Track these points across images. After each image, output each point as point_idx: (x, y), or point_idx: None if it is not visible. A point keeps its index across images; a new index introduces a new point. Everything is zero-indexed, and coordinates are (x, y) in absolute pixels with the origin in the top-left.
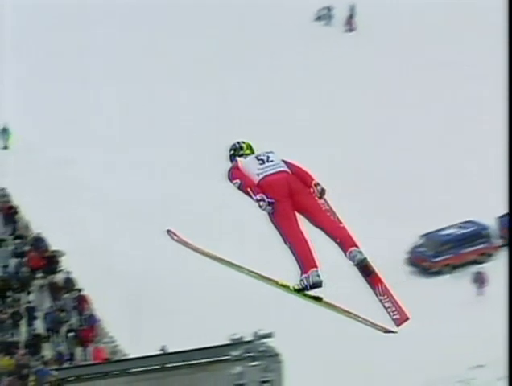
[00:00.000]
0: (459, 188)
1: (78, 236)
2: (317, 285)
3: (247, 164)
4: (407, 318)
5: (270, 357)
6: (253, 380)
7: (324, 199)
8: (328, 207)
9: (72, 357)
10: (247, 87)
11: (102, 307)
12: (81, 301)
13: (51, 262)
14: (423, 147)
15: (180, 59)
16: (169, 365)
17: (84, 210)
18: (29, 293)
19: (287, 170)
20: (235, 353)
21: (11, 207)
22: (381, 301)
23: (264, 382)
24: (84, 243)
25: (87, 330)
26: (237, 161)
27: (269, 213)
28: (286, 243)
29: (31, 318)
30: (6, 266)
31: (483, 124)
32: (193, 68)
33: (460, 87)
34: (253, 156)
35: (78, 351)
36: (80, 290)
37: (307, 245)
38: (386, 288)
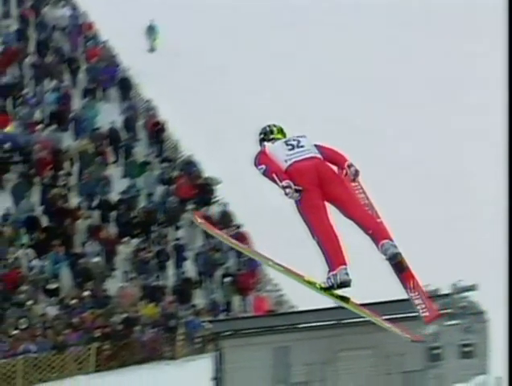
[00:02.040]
0: None
1: (235, 163)
2: (345, 284)
3: (275, 149)
4: (438, 316)
5: (473, 315)
6: (451, 343)
7: (359, 187)
8: (362, 195)
9: (228, 307)
10: None
11: (262, 247)
12: (240, 240)
13: (203, 191)
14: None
15: None
16: (346, 321)
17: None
18: (177, 228)
19: (319, 156)
20: None
21: (157, 124)
22: (411, 297)
23: (465, 345)
24: (240, 171)
25: (246, 275)
26: (264, 146)
27: (296, 202)
28: (313, 236)
29: (180, 259)
30: (150, 195)
31: None
32: None
33: None
34: (282, 141)
35: (236, 300)
36: (238, 226)
37: (337, 240)
38: (417, 284)
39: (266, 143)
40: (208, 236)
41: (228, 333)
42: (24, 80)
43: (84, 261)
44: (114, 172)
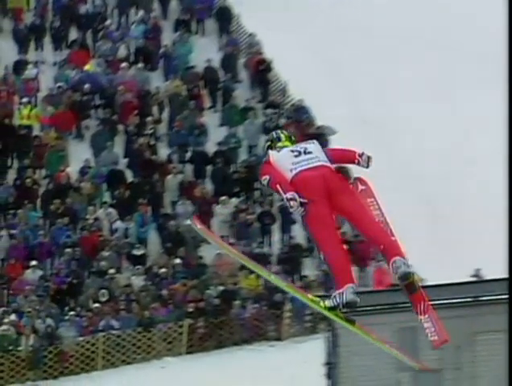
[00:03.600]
0: None
1: (354, 107)
2: (352, 304)
3: (280, 158)
4: (446, 340)
5: None
6: None
7: (375, 202)
8: (377, 212)
9: None
10: None
11: (390, 212)
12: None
13: None
14: None
15: None
16: (485, 298)
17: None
18: None
19: (328, 164)
20: None
21: (262, 62)
22: (420, 320)
23: None
24: (359, 118)
25: (365, 242)
26: (269, 154)
27: (301, 216)
28: (318, 251)
29: (287, 223)
30: (252, 146)
31: None
32: None
33: None
34: (288, 148)
35: (353, 271)
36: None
37: (345, 256)
38: (428, 306)
39: (270, 151)
40: None
41: (343, 310)
42: (107, 9)
43: (174, 224)
44: (211, 119)
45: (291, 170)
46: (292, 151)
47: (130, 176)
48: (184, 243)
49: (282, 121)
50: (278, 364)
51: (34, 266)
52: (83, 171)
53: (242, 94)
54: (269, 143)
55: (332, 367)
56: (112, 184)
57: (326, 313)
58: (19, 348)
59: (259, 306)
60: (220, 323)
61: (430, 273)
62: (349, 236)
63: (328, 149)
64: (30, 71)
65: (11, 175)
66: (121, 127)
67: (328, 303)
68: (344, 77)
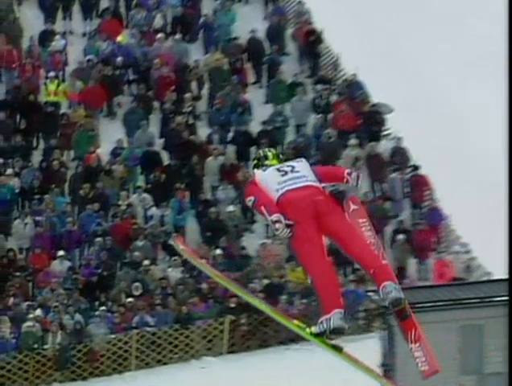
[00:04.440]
0: None
1: (413, 84)
2: (339, 330)
3: (266, 177)
4: (436, 371)
5: None
6: None
7: (367, 223)
8: (369, 233)
9: (401, 273)
10: None
11: (450, 197)
12: (417, 186)
13: (371, 122)
14: None
15: None
16: None
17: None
18: None
19: (316, 184)
20: None
21: (312, 32)
22: (411, 349)
23: None
24: (420, 97)
25: (426, 231)
26: (254, 174)
27: (288, 238)
28: (306, 275)
29: None
30: (301, 126)
31: None
32: None
33: None
34: (275, 167)
35: (411, 263)
36: (416, 167)
37: (333, 280)
38: (419, 335)
39: (256, 171)
40: (377, 179)
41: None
42: None
43: (215, 211)
44: (255, 96)
45: (277, 190)
46: (278, 170)
47: (166, 158)
48: (226, 232)
49: (334, 98)
50: (328, 366)
51: (61, 257)
52: (115, 153)
53: (290, 68)
54: (255, 162)
55: (387, 370)
56: (146, 167)
57: (312, 339)
58: (45, 346)
59: (308, 301)
60: (265, 320)
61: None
62: (407, 225)
63: (317, 168)
64: (57, 43)
65: (37, 157)
66: (156, 104)
67: (314, 329)
68: (402, 49)
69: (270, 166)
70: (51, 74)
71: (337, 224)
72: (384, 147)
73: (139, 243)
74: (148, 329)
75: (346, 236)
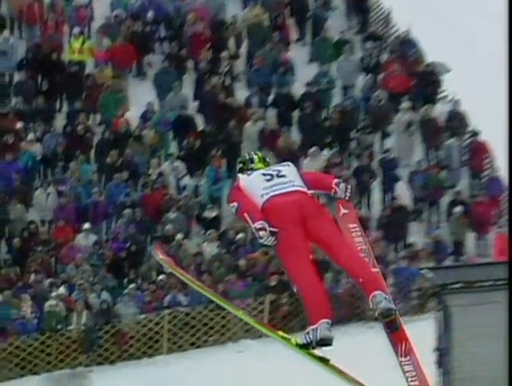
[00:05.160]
0: None
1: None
2: (326, 341)
3: (250, 182)
4: None
5: None
6: None
7: (358, 229)
8: (359, 239)
9: (458, 249)
10: None
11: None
12: (476, 154)
13: (425, 83)
14: None
15: None
16: None
17: None
18: (385, 135)
19: (303, 189)
20: None
21: None
22: (401, 363)
23: None
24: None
25: (486, 203)
26: (239, 179)
27: (273, 246)
28: (292, 283)
29: (390, 180)
30: (348, 88)
31: None
32: None
33: None
34: (260, 172)
35: (468, 238)
36: (475, 133)
37: (320, 288)
38: (410, 347)
39: (240, 175)
40: (432, 146)
41: (457, 285)
42: None
43: None
44: (298, 54)
45: (262, 196)
46: (264, 175)
47: (200, 123)
48: None
49: (385, 57)
50: (378, 349)
51: (87, 230)
52: (145, 117)
53: (336, 24)
54: (240, 165)
55: (443, 354)
56: (179, 132)
57: (298, 351)
58: (69, 328)
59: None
60: None
61: None
62: (464, 196)
63: (304, 173)
64: None
65: (60, 121)
66: (190, 64)
67: (299, 340)
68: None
69: (256, 169)
70: (76, 30)
71: (325, 231)
72: (440, 111)
73: (171, 215)
74: (181, 309)
75: (334, 243)
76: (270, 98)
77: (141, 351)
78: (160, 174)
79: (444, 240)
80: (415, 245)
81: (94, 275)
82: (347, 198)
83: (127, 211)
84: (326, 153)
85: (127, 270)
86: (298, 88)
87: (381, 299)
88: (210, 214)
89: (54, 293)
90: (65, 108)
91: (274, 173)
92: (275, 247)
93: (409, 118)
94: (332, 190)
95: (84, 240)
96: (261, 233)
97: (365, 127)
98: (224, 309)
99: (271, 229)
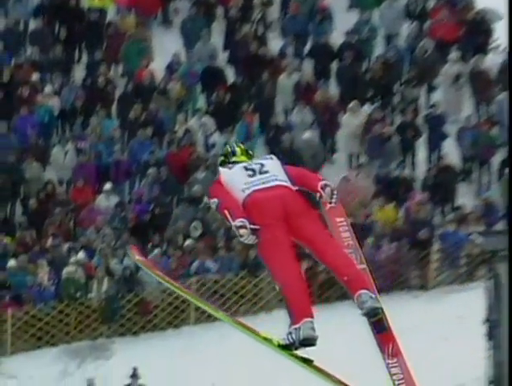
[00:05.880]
0: None
1: None
2: (309, 341)
3: (232, 176)
4: None
5: None
6: None
7: (345, 223)
8: (346, 234)
9: (510, 212)
10: None
11: None
12: None
13: (476, 32)
14: None
15: None
16: None
17: None
18: (431, 88)
19: (287, 184)
20: None
21: None
22: (388, 365)
23: None
24: None
25: None
26: (220, 172)
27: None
28: (275, 281)
29: (437, 137)
30: (392, 37)
31: None
32: None
33: None
34: (242, 165)
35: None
36: None
37: (303, 286)
38: (398, 349)
39: (221, 169)
40: (481, 103)
41: (509, 252)
42: None
43: (289, 137)
44: (337, 0)
45: (244, 191)
46: (246, 168)
47: (231, 75)
48: (302, 162)
49: (431, 3)
50: (423, 321)
51: (108, 191)
52: (171, 68)
53: None
54: (222, 158)
55: (493, 326)
56: (208, 85)
57: (280, 352)
58: (89, 296)
59: (398, 246)
60: None
61: None
62: None
63: (289, 168)
64: None
65: (79, 73)
66: (220, 10)
67: (282, 341)
68: None
69: (238, 162)
70: None
71: (309, 227)
72: (491, 62)
73: (199, 175)
74: (209, 276)
75: (318, 240)
76: (307, 48)
77: (166, 322)
78: (187, 131)
79: (495, 202)
80: (464, 208)
81: (116, 239)
82: (332, 204)
83: (151, 170)
84: (367, 108)
85: (151, 234)
86: (336, 38)
87: (366, 298)
88: None
89: (73, 259)
90: (85, 58)
91: (257, 167)
92: (257, 244)
93: (458, 70)
94: (318, 194)
95: (105, 201)
96: (241, 231)
97: (410, 80)
98: (256, 276)
99: (252, 227)
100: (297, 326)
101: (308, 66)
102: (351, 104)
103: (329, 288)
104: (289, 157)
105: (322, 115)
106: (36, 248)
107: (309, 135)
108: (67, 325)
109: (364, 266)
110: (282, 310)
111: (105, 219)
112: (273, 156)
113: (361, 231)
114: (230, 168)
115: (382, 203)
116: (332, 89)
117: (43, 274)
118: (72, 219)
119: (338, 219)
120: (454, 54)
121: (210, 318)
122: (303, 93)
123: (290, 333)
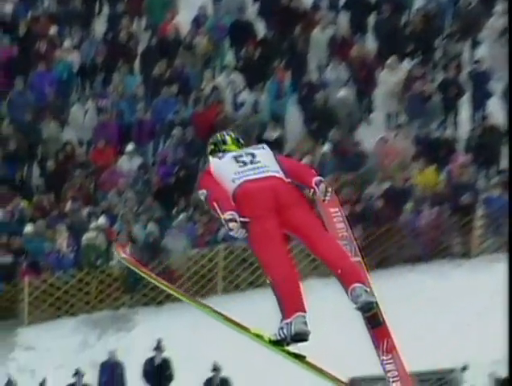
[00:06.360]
0: None
1: None
2: (301, 336)
3: (222, 166)
4: None
5: None
6: None
7: (339, 214)
8: (341, 225)
9: None
10: None
11: None
12: None
13: None
14: None
15: None
16: None
17: None
18: (475, 44)
19: (279, 174)
20: None
21: None
22: (382, 361)
23: None
24: None
25: None
26: (210, 162)
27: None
28: (266, 275)
29: (481, 95)
30: None
31: None
32: None
33: None
34: (232, 154)
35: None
36: None
37: (295, 280)
38: (392, 345)
39: (211, 158)
40: None
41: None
42: None
43: (323, 95)
44: None
45: (234, 181)
46: (236, 158)
47: (261, 29)
48: (336, 122)
49: None
50: (465, 289)
51: (130, 152)
52: (197, 22)
53: None
54: (212, 147)
55: None
56: (237, 40)
57: (271, 348)
58: (111, 263)
59: (439, 211)
60: (385, 233)
61: None
62: None
63: (282, 159)
64: None
65: (100, 26)
66: None
67: (273, 337)
68: None
69: (229, 151)
70: None
71: (301, 219)
72: None
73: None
74: (238, 243)
75: (311, 232)
76: (342, 0)
77: (192, 291)
78: (214, 88)
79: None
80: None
81: (139, 204)
82: (326, 201)
83: (176, 130)
84: (406, 64)
85: (176, 198)
86: None
87: (360, 292)
88: (272, 134)
89: (93, 224)
90: (106, 10)
91: (248, 157)
92: (247, 236)
93: (503, 24)
94: (312, 190)
95: (128, 163)
96: (230, 225)
97: (453, 34)
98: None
99: (242, 220)
100: (288, 320)
101: (344, 19)
102: (389, 60)
103: (366, 255)
104: (323, 117)
105: (358, 72)
106: (54, 212)
107: (344, 93)
108: (87, 294)
109: (358, 259)
110: (316, 278)
111: (127, 182)
112: (265, 145)
113: (400, 195)
114: (220, 157)
115: (422, 166)
116: (369, 44)
117: (62, 240)
118: (92, 182)
119: (332, 210)
120: (500, 6)
121: (238, 288)
122: (338, 49)
123: (281, 328)
